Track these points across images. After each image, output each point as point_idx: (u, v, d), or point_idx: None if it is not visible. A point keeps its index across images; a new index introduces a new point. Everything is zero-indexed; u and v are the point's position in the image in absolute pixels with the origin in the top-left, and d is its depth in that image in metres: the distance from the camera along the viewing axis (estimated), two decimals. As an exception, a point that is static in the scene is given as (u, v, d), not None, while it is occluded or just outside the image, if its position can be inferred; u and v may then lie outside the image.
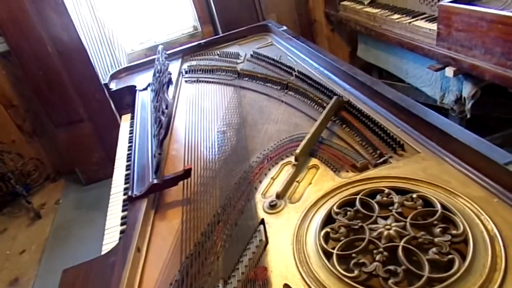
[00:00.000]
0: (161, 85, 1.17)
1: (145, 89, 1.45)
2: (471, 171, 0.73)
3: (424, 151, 0.82)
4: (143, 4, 2.50)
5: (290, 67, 1.41)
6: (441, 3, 1.49)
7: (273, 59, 1.54)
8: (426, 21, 1.70)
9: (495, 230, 0.61)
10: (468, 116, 1.62)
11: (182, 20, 2.59)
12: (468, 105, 1.57)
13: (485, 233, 0.61)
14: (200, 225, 0.80)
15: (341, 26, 2.43)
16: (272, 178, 0.87)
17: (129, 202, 0.89)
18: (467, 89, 1.55)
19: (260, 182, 0.87)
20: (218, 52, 1.79)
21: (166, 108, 1.02)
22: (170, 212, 0.87)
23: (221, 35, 1.93)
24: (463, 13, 1.39)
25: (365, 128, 0.95)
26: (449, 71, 1.55)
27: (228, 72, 1.54)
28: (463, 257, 0.58)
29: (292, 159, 0.89)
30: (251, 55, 1.64)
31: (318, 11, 2.59)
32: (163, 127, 0.96)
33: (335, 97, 1.06)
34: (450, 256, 0.58)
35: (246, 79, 1.46)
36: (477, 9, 1.34)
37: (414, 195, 0.70)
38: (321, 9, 2.55)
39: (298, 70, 1.37)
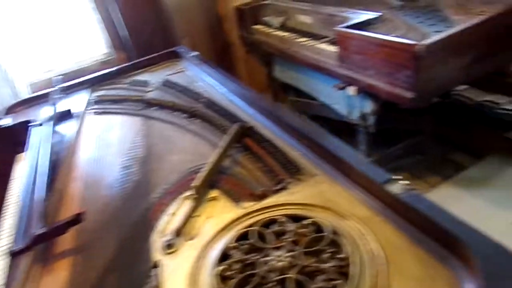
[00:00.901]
0: (53, 120, 1.08)
1: (40, 124, 1.33)
2: (358, 191, 0.76)
3: (320, 174, 0.85)
4: (50, 30, 2.35)
5: (198, 94, 1.40)
6: (336, 28, 1.60)
7: (183, 86, 1.51)
8: (329, 43, 1.80)
9: (379, 249, 0.64)
10: (373, 131, 1.74)
11: (95, 46, 2.47)
12: (371, 121, 1.68)
13: (369, 253, 0.63)
14: (92, 276, 0.73)
15: (255, 48, 2.49)
16: (171, 214, 0.83)
17: (11, 258, 0.79)
18: (369, 106, 1.66)
19: (159, 220, 0.82)
20: (128, 81, 1.72)
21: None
22: (59, 264, 0.78)
23: (131, 62, 1.86)
24: (355, 38, 1.51)
25: (266, 153, 0.96)
26: (351, 90, 1.65)
27: (137, 102, 1.48)
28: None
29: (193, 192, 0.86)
30: (161, 83, 1.61)
31: (233, 34, 2.64)
32: (50, 168, 0.88)
33: (236, 124, 1.06)
34: (336, 282, 0.59)
35: (155, 108, 1.41)
36: (366, 34, 1.45)
37: (307, 222, 0.71)
38: (236, 32, 2.60)
39: (206, 97, 1.36)
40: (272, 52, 2.26)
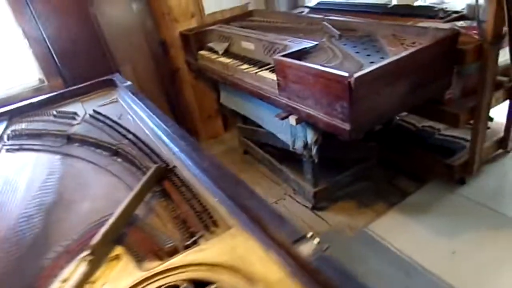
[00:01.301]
0: None
1: None
2: (273, 248, 0.69)
3: (236, 226, 0.77)
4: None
5: (126, 129, 1.30)
6: (274, 57, 1.57)
7: (112, 120, 1.41)
8: (271, 71, 1.77)
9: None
10: (316, 160, 1.71)
11: (26, 71, 2.30)
12: (314, 151, 1.64)
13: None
14: None
15: (202, 74, 2.43)
16: (63, 281, 0.72)
17: None
18: (310, 136, 1.63)
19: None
20: (55, 112, 1.59)
21: None
22: None
23: (60, 91, 1.73)
24: (292, 67, 1.48)
25: (183, 200, 0.88)
26: (292, 120, 1.61)
27: (58, 137, 1.35)
28: None
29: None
30: (90, 115, 1.49)
31: (180, 60, 2.56)
32: None
33: (154, 166, 0.97)
34: None
35: (77, 144, 1.29)
36: (301, 63, 1.43)
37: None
38: (182, 58, 2.53)
39: (133, 133, 1.26)
40: (216, 78, 2.20)
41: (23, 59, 2.26)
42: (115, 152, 1.18)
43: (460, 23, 1.71)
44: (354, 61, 1.50)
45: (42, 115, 1.59)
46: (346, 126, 1.32)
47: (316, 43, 1.66)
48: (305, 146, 1.69)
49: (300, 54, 1.61)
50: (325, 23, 1.98)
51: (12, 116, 1.61)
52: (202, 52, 2.32)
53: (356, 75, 1.23)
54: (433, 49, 1.44)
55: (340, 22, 1.95)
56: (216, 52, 2.22)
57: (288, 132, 1.78)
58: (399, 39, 1.63)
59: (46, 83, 2.27)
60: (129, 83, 1.66)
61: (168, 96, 2.43)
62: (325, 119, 1.40)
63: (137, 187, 0.91)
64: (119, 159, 1.14)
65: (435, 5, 1.98)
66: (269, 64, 1.85)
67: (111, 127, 1.35)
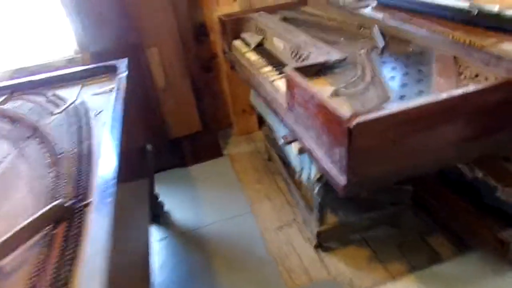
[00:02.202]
0: None
1: None
2: None
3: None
4: (18, 22, 2.19)
5: (87, 134, 1.15)
6: (286, 68, 1.26)
7: (87, 116, 1.27)
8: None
9: None
10: (321, 201, 1.40)
11: (66, 42, 2.28)
12: (316, 189, 1.33)
13: None
14: None
15: (235, 65, 2.19)
16: None
17: None
18: (314, 171, 1.32)
19: None
20: (50, 94, 1.51)
21: None
22: None
23: (62, 71, 1.64)
24: (298, 86, 1.17)
25: (58, 261, 0.68)
26: (294, 147, 1.32)
27: (27, 127, 1.26)
28: None
29: None
30: (76, 105, 1.37)
31: (219, 46, 2.35)
32: None
33: (52, 203, 0.79)
34: None
35: (37, 141, 1.18)
36: (306, 86, 1.11)
37: None
38: (221, 44, 2.31)
39: (87, 141, 1.10)
40: (242, 75, 1.95)
41: (63, 27, 2.24)
42: (54, 164, 1.03)
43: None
44: (381, 89, 1.13)
45: (38, 95, 1.52)
46: (341, 180, 1.00)
47: (345, 55, 1.30)
48: (308, 180, 1.38)
49: (320, 69, 1.28)
50: (376, 27, 1.58)
51: (13, 92, 1.57)
52: (235, 42, 2.07)
53: (359, 119, 0.89)
54: (499, 92, 1.02)
55: (393, 29, 1.54)
56: (248, 44, 1.95)
57: (296, 158, 1.48)
58: (459, 66, 1.21)
59: (79, 55, 2.23)
60: (124, 74, 1.49)
61: (196, 85, 2.24)
62: (323, 162, 1.09)
63: (22, 224, 0.74)
64: (51, 175, 0.99)
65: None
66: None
67: (80, 127, 1.21)
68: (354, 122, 0.89)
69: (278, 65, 1.64)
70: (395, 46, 1.44)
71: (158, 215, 2.00)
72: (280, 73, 1.53)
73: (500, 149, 1.18)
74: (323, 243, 1.63)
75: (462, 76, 1.14)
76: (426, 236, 1.62)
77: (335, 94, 1.15)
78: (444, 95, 0.94)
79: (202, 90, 2.30)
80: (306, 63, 1.27)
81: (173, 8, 2.01)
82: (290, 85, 1.24)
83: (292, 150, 1.35)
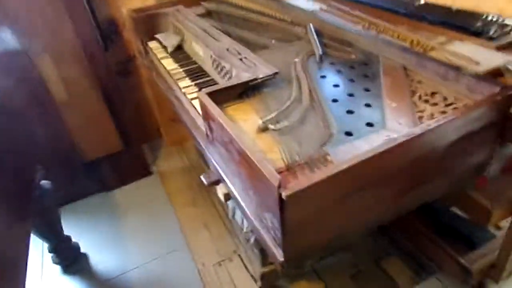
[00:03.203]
0: None
1: None
2: None
3: None
4: None
5: None
6: (200, 92, 0.97)
7: None
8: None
9: None
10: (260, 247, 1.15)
11: None
12: (252, 240, 1.08)
13: None
14: None
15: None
16: None
17: None
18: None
19: None
20: None
21: None
22: None
23: None
24: (215, 121, 0.88)
25: None
26: (220, 191, 1.05)
27: None
28: None
29: None
30: None
31: (136, 45, 1.98)
32: None
33: None
34: None
35: None
36: (225, 125, 0.82)
37: None
38: (136, 45, 1.94)
39: None
40: (161, 86, 1.62)
41: None
42: None
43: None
44: (322, 119, 0.88)
45: None
46: (278, 255, 0.74)
47: (275, 70, 1.03)
48: (243, 225, 1.12)
49: (244, 89, 1.01)
50: (311, 26, 1.32)
51: None
52: (151, 44, 1.72)
53: (294, 187, 0.63)
54: (462, 121, 0.81)
55: (331, 27, 1.29)
56: (165, 48, 1.62)
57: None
58: (411, 80, 0.99)
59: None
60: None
61: (109, 95, 1.87)
62: (254, 223, 0.82)
63: None
64: None
65: (489, 15, 1.27)
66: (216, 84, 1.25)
67: None
68: (287, 192, 0.62)
69: (199, 75, 1.34)
70: (335, 51, 1.20)
71: (72, 262, 1.65)
72: (200, 89, 1.23)
73: (460, 186, 0.99)
74: (269, 284, 1.40)
75: (417, 96, 0.92)
76: (382, 261, 1.45)
77: (263, 128, 0.88)
78: (401, 139, 0.71)
79: (118, 100, 1.93)
80: (224, 84, 0.98)
81: (65, 4, 1.59)
82: (205, 115, 0.96)
83: (217, 193, 1.08)
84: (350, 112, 0.89)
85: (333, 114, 0.88)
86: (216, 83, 1.25)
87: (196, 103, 1.17)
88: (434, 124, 0.73)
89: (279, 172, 0.73)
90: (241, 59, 1.13)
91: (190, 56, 1.50)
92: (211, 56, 1.25)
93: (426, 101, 0.90)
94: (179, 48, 1.60)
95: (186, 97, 1.23)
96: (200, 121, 1.11)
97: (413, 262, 1.42)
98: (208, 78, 1.31)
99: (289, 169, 0.73)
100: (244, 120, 0.92)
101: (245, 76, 1.01)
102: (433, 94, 0.92)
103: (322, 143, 0.79)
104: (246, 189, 0.83)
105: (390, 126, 0.81)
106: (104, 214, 1.91)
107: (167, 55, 1.57)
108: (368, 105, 0.90)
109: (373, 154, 0.68)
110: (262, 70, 1.04)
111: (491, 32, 1.23)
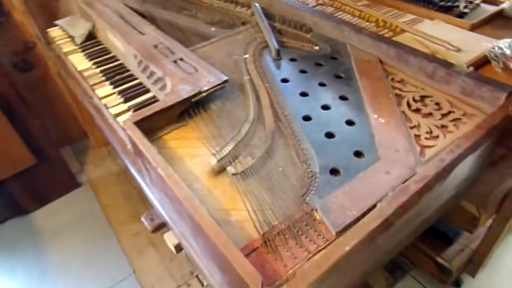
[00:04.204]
0: None
1: None
2: None
3: None
4: None
5: None
6: (126, 121, 0.70)
7: None
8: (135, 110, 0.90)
9: None
10: None
11: None
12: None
13: None
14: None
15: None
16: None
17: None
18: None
19: None
20: None
21: None
22: None
23: None
24: (149, 164, 0.63)
25: None
26: (168, 240, 0.82)
27: None
28: None
29: None
30: None
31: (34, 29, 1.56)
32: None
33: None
34: None
35: None
36: (163, 173, 0.58)
37: None
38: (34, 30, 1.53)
39: None
40: (75, 89, 1.27)
41: None
42: None
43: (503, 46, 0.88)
44: (294, 151, 0.66)
45: None
46: None
47: (223, 79, 0.78)
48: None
49: (185, 108, 0.75)
50: (257, 7, 1.07)
51: None
52: (53, 32, 1.33)
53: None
54: (479, 147, 0.64)
55: (284, 8, 1.04)
56: (72, 37, 1.26)
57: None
58: (392, 80, 0.80)
59: None
60: None
61: (4, 97, 1.47)
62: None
63: None
64: None
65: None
66: (148, 91, 0.96)
67: None
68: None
69: (123, 78, 1.04)
70: (293, 40, 0.97)
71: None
72: (126, 101, 0.94)
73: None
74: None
75: (405, 104, 0.74)
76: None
77: (219, 170, 0.65)
78: (415, 187, 0.53)
79: (19, 102, 1.54)
80: (156, 107, 0.71)
81: None
82: (137, 152, 0.70)
83: (166, 241, 0.84)
84: (330, 135, 0.69)
85: (309, 141, 0.67)
86: (145, 88, 0.97)
87: (122, 120, 0.89)
88: (448, 158, 0.56)
89: (254, 249, 0.52)
90: (175, 62, 0.85)
91: (107, 49, 1.18)
92: (135, 56, 0.95)
93: (417, 111, 0.72)
94: (90, 36, 1.25)
95: (109, 111, 0.94)
96: (129, 144, 0.84)
97: (388, 262, 1.33)
98: (134, 82, 1.01)
99: (267, 242, 0.52)
100: (192, 157, 0.68)
101: (184, 90, 0.76)
102: (422, 99, 0.75)
103: (303, 192, 0.59)
104: (208, 259, 0.61)
105: (386, 155, 0.63)
106: (22, 245, 1.57)
107: (76, 48, 1.22)
108: (350, 123, 0.71)
109: (384, 218, 0.49)
110: (207, 78, 0.79)
111: (461, 7, 1.09)
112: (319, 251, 0.51)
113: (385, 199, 0.52)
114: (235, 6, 1.13)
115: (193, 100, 0.75)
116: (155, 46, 0.92)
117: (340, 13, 1.14)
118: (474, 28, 1.01)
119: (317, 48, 0.93)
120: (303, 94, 0.78)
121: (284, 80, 0.82)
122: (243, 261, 0.45)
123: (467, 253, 1.16)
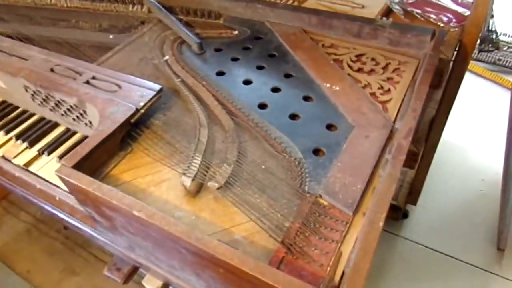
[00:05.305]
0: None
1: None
2: None
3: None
4: None
5: None
6: (61, 168, 0.56)
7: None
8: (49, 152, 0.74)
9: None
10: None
11: None
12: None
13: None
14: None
15: None
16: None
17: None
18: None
19: None
20: None
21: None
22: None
23: None
24: (116, 209, 0.52)
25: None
26: (149, 284, 0.71)
27: None
28: None
29: None
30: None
31: None
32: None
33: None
34: None
35: None
36: (148, 217, 0.48)
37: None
38: None
39: None
40: None
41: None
42: None
43: None
44: (267, 143, 0.62)
45: None
46: None
47: (157, 87, 0.68)
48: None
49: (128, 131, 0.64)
50: (154, 2, 0.96)
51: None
52: None
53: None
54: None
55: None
56: None
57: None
58: (323, 47, 0.80)
59: None
60: None
61: None
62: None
63: None
64: None
65: None
66: (56, 125, 0.80)
67: None
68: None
69: (15, 117, 0.83)
70: (206, 29, 0.90)
71: None
72: (31, 145, 0.76)
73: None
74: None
75: (346, 66, 0.75)
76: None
77: (195, 191, 0.57)
78: (401, 157, 0.53)
79: None
80: (93, 140, 0.58)
81: None
82: (85, 200, 0.57)
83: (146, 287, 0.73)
84: (294, 117, 0.65)
85: (277, 129, 0.63)
86: (50, 123, 0.80)
87: (38, 169, 0.72)
88: (418, 106, 0.58)
89: (281, 260, 0.47)
90: (87, 82, 0.71)
91: None
92: (26, 88, 0.77)
93: (360, 70, 0.74)
94: None
95: (13, 164, 0.75)
96: (58, 194, 0.69)
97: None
98: (32, 120, 0.82)
99: (291, 248, 0.47)
100: (157, 184, 0.58)
101: (118, 112, 0.64)
102: (358, 57, 0.77)
103: (298, 182, 0.55)
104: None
105: (357, 121, 0.62)
106: None
107: None
108: (307, 98, 0.69)
109: (395, 181, 0.48)
110: (137, 92, 0.67)
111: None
112: (345, 236, 0.48)
113: (386, 162, 0.52)
114: (127, 6, 1.00)
115: (132, 121, 0.64)
116: (52, 70, 0.76)
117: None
118: (364, -16, 1.07)
119: (236, 32, 0.88)
120: (246, 82, 0.73)
121: (220, 73, 0.76)
122: (285, 278, 0.40)
123: (406, 187, 1.28)
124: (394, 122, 0.62)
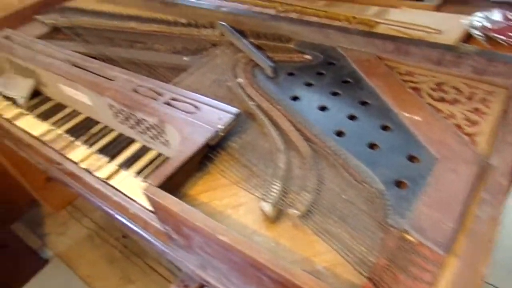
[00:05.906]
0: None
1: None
2: None
3: None
4: None
5: None
6: (147, 187, 0.58)
7: None
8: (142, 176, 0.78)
9: None
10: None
11: None
12: None
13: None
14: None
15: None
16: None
17: None
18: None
19: None
20: None
21: None
22: None
23: None
24: (197, 230, 0.53)
25: None
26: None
27: None
28: None
29: None
30: None
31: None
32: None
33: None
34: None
35: None
36: (233, 242, 0.49)
37: None
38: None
39: None
40: (31, 158, 1.08)
41: None
42: None
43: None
44: (346, 172, 0.61)
45: None
46: None
47: (235, 111, 0.70)
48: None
49: (205, 154, 0.66)
50: (225, 26, 0.99)
51: None
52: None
53: None
54: None
55: (253, 22, 0.99)
56: (12, 100, 1.07)
57: None
58: (399, 74, 0.78)
59: None
60: None
61: None
62: None
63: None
64: None
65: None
66: (133, 141, 0.84)
67: None
68: None
69: (96, 133, 0.89)
70: (278, 53, 0.91)
71: None
72: (112, 158, 0.81)
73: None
74: None
75: (426, 95, 0.73)
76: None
77: (276, 215, 0.57)
78: (501, 197, 0.50)
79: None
80: (175, 163, 0.61)
81: None
82: (167, 219, 0.59)
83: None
84: (372, 146, 0.64)
85: (355, 157, 0.62)
86: (128, 140, 0.85)
87: (117, 183, 0.76)
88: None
89: (367, 297, 0.45)
90: (168, 104, 0.75)
91: (61, 104, 1.02)
92: (110, 106, 0.82)
93: (442, 100, 0.71)
94: (35, 94, 1.08)
95: (94, 176, 0.80)
96: (133, 208, 0.72)
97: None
98: (112, 135, 0.88)
99: (378, 285, 0.46)
100: (234, 207, 0.59)
101: (198, 134, 0.66)
102: (439, 86, 0.74)
103: (381, 215, 0.53)
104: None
105: (441, 153, 0.60)
106: None
107: (21, 111, 1.03)
108: (385, 128, 0.67)
109: (495, 221, 0.45)
110: (215, 115, 0.70)
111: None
112: (436, 278, 0.46)
113: (482, 201, 0.49)
114: (200, 30, 1.04)
115: (212, 143, 0.65)
116: (135, 90, 0.80)
117: (306, 17, 1.12)
118: (438, 8, 1.04)
119: (307, 57, 0.88)
120: (322, 108, 0.73)
121: (294, 98, 0.76)
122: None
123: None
124: (486, 156, 0.58)
